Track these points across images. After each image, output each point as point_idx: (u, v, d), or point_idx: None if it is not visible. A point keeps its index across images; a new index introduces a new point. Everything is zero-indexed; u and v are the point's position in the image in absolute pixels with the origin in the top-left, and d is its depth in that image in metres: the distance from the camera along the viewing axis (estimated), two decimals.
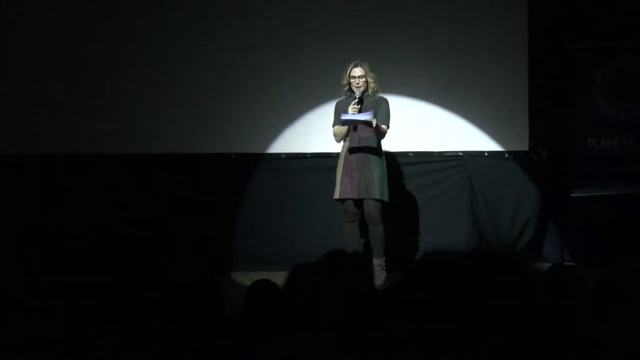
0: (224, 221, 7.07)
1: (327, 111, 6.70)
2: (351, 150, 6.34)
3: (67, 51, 7.05)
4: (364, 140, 6.31)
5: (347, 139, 6.38)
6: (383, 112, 6.35)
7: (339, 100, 6.49)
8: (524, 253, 6.99)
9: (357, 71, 6.37)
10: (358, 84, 6.35)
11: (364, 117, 6.20)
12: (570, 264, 6.44)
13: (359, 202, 6.37)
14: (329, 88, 6.75)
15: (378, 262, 6.36)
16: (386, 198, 6.36)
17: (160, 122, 7.12)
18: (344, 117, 6.26)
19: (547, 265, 6.10)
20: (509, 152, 7.16)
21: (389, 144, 6.66)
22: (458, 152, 7.16)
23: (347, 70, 6.39)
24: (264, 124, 7.11)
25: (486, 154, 7.16)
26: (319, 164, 7.04)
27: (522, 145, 7.13)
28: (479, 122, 7.12)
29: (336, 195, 6.39)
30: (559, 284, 2.80)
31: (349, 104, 6.32)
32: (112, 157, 7.08)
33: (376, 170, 6.31)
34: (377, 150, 6.35)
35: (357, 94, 6.33)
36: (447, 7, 7.09)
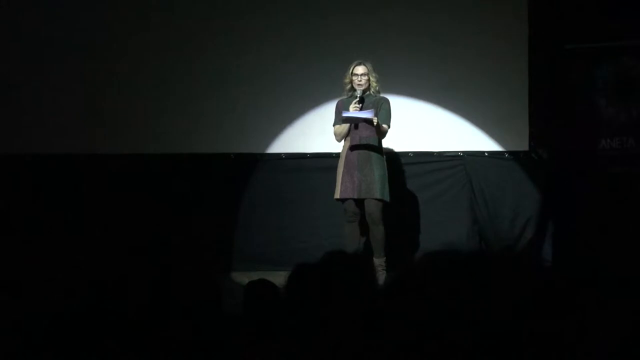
0: (224, 221, 7.07)
1: (327, 111, 6.70)
2: (352, 149, 6.33)
3: (67, 51, 7.05)
4: (364, 139, 6.31)
5: (348, 138, 6.38)
6: (384, 112, 6.34)
7: (340, 100, 6.48)
8: (524, 253, 6.99)
9: (360, 69, 6.36)
10: (360, 81, 6.34)
11: (365, 114, 6.19)
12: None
13: (359, 202, 6.36)
14: (329, 88, 6.75)
15: (378, 262, 6.35)
16: (387, 198, 6.35)
17: (160, 122, 7.12)
18: (345, 114, 6.24)
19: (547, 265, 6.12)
20: (509, 152, 7.16)
21: (389, 144, 6.67)
22: (458, 152, 7.16)
23: (349, 68, 6.39)
24: (264, 124, 7.11)
25: (486, 154, 7.16)
26: (319, 164, 7.04)
27: (522, 145, 7.13)
28: (479, 122, 7.12)
29: (337, 195, 6.39)
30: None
31: (350, 104, 6.32)
32: (112, 157, 7.08)
33: (377, 170, 6.30)
34: (378, 149, 6.35)
35: (358, 92, 6.32)
36: (447, 7, 7.09)
